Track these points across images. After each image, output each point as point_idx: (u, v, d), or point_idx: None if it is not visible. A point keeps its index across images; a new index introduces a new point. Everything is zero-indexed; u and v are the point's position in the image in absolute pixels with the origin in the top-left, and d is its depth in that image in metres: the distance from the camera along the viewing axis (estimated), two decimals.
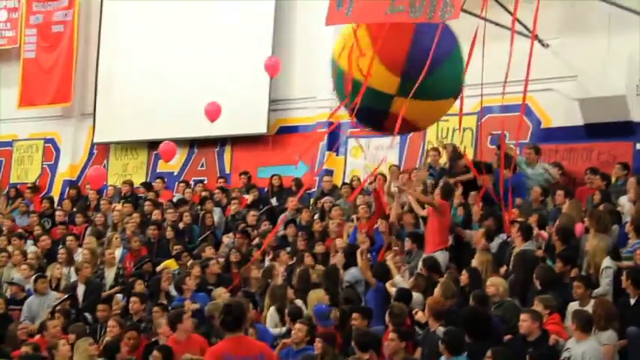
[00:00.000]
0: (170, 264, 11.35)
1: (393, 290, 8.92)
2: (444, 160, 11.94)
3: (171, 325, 8.19)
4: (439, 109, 9.41)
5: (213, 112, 12.73)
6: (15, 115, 16.90)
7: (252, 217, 12.24)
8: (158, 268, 11.27)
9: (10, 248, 12.56)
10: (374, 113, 9.16)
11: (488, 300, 8.04)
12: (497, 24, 10.61)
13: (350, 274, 9.68)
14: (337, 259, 9.98)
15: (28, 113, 16.86)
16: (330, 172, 13.61)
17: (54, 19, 16.73)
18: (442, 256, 9.64)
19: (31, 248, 12.76)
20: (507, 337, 7.60)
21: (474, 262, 8.93)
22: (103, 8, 16.21)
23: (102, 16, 16.20)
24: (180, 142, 14.65)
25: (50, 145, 16.80)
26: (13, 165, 17.07)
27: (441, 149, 11.99)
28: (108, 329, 9.21)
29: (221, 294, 9.76)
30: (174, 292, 10.27)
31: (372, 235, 10.47)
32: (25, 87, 16.76)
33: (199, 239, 12.30)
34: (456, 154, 11.40)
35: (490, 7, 10.34)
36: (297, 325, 8.19)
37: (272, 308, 9.20)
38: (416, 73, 8.71)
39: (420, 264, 9.61)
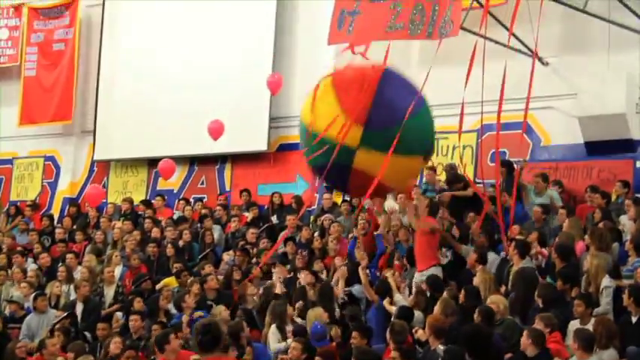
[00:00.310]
0: (170, 282, 11.32)
1: (392, 309, 8.89)
2: (442, 177, 11.95)
3: (158, 347, 8.08)
4: (406, 167, 9.11)
5: (216, 130, 12.70)
6: (15, 132, 16.90)
7: (251, 234, 12.21)
8: (158, 286, 11.24)
9: (11, 268, 12.54)
10: (336, 170, 8.94)
11: (494, 316, 8.01)
12: (497, 42, 10.67)
13: (356, 291, 9.68)
14: (340, 274, 9.97)
15: (28, 131, 16.85)
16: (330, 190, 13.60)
17: (55, 37, 16.77)
18: (436, 273, 9.64)
19: (31, 266, 12.74)
20: (508, 355, 7.56)
21: (476, 281, 8.90)
22: (103, 27, 16.28)
23: (102, 34, 16.26)
24: (180, 160, 14.66)
25: (50, 162, 16.79)
26: (13, 183, 17.04)
27: (438, 170, 12.01)
28: (114, 344, 9.16)
29: (221, 311, 9.74)
30: (173, 310, 10.24)
31: (372, 243, 10.42)
32: (25, 105, 16.77)
33: (199, 257, 12.27)
34: (454, 176, 11.37)
35: (490, 26, 10.41)
36: (293, 344, 8.17)
37: (273, 326, 9.17)
38: (380, 123, 8.56)
39: (415, 281, 9.64)
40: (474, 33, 10.39)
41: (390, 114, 8.84)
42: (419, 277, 9.74)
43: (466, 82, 9.13)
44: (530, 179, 11.16)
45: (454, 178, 11.39)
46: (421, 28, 9.85)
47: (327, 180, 9.94)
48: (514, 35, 10.74)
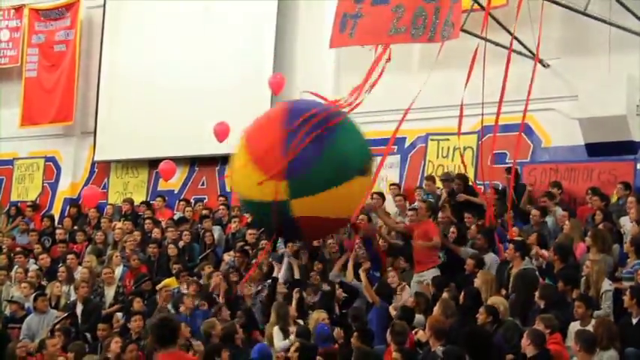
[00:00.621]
0: (171, 282, 11.33)
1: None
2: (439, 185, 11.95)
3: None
4: (352, 193, 8.83)
5: (222, 132, 12.63)
6: (16, 133, 16.91)
7: (250, 235, 12.20)
8: (158, 287, 11.25)
9: (12, 268, 12.55)
10: (282, 224, 8.88)
11: (499, 314, 8.01)
12: (497, 44, 10.68)
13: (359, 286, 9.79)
14: (352, 256, 10.04)
15: (29, 132, 16.88)
16: None
17: (56, 38, 16.80)
18: (435, 274, 9.69)
19: (31, 266, 12.74)
20: (509, 356, 7.55)
21: (477, 282, 8.89)
22: (104, 28, 16.30)
23: (103, 35, 16.28)
24: (180, 161, 14.67)
25: (51, 163, 16.81)
26: (14, 183, 17.06)
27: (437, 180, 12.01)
28: (114, 344, 9.16)
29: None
30: (173, 311, 10.25)
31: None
32: (26, 106, 16.79)
33: (200, 257, 12.28)
34: (462, 187, 11.31)
35: (491, 29, 10.44)
36: (295, 342, 8.20)
37: (276, 327, 9.20)
38: (298, 170, 8.43)
39: (413, 282, 9.68)
40: (475, 35, 10.43)
41: (304, 158, 8.64)
42: (417, 277, 9.76)
43: (466, 84, 9.15)
44: (532, 180, 11.17)
45: (462, 188, 11.30)
46: (423, 31, 9.89)
47: (282, 235, 9.87)
48: (515, 38, 10.75)
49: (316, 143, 8.62)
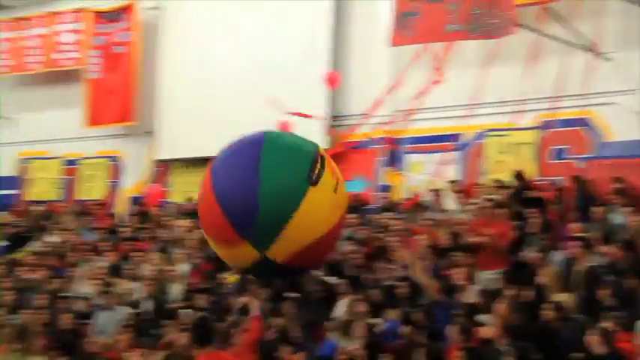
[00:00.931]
0: (233, 278, 11.51)
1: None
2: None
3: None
4: (316, 208, 8.32)
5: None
6: (80, 134, 17.37)
7: None
8: (222, 282, 11.44)
9: (80, 266, 12.90)
10: (271, 273, 8.70)
11: (564, 310, 7.99)
12: (555, 38, 10.62)
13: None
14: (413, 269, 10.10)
15: (93, 132, 17.33)
16: (388, 188, 13.67)
17: (116, 40, 17.22)
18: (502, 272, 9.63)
19: (99, 264, 13.07)
20: (577, 354, 7.53)
21: (543, 279, 8.86)
22: (162, 28, 16.60)
23: (161, 35, 16.59)
24: None
25: (115, 162, 17.23)
26: (80, 183, 17.53)
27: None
28: (180, 339, 9.34)
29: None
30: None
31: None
32: (90, 107, 17.24)
33: None
34: (523, 186, 11.24)
35: (549, 22, 10.39)
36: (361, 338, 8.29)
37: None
38: (247, 223, 8.08)
39: (482, 280, 9.64)
40: (532, 29, 10.38)
41: (246, 207, 8.19)
42: (484, 275, 9.74)
43: (524, 79, 9.13)
44: (594, 176, 11.12)
45: (524, 186, 11.24)
46: (479, 27, 9.91)
47: (288, 280, 9.61)
48: (575, 31, 10.67)
49: (247, 185, 8.25)
